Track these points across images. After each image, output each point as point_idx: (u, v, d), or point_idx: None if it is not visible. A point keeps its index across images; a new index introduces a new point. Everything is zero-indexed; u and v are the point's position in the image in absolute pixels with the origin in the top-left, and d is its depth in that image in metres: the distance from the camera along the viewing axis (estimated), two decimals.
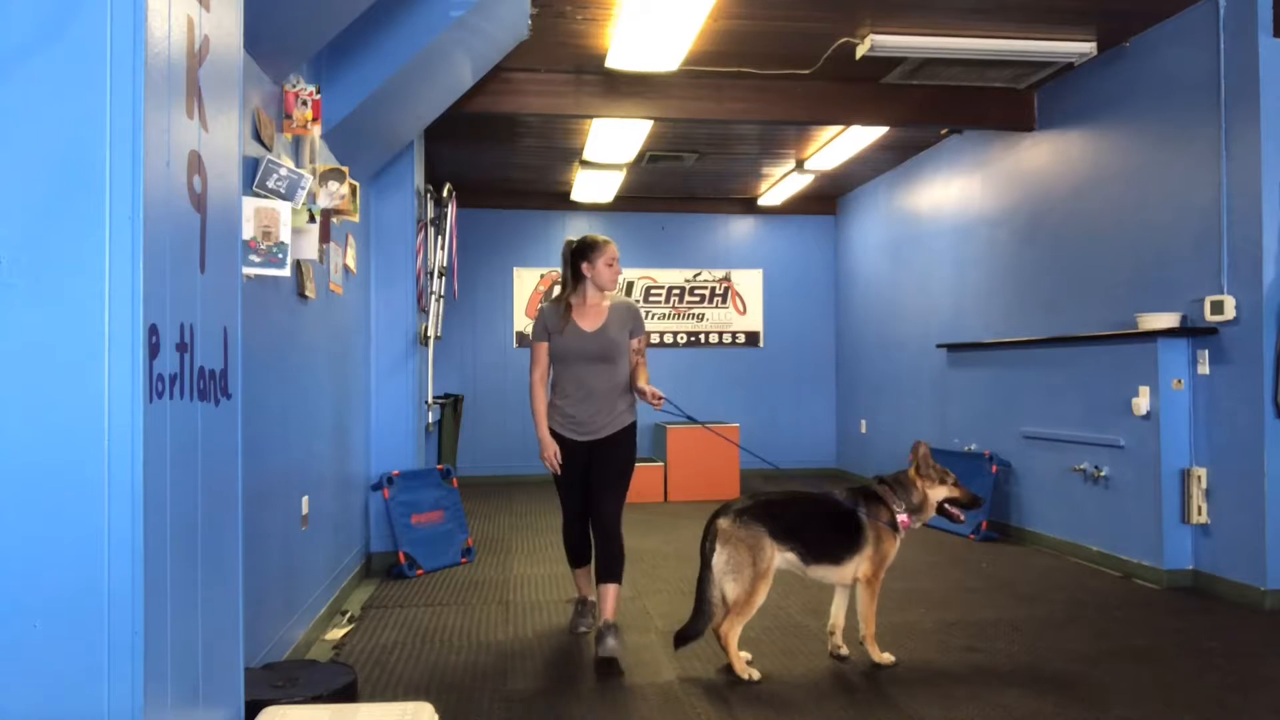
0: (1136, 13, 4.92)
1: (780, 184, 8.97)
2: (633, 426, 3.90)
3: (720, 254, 10.03)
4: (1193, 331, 4.71)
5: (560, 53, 5.44)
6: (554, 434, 3.86)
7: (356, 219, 3.99)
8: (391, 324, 5.49)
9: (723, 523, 3.45)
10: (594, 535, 3.85)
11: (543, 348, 3.87)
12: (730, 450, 8.15)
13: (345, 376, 4.68)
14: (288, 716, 2.00)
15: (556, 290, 4.18)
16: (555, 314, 3.85)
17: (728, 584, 3.41)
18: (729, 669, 3.44)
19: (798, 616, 4.24)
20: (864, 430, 9.30)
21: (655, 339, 9.88)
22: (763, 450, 9.76)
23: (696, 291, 9.97)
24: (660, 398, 3.73)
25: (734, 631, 3.41)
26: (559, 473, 3.86)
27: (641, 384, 3.82)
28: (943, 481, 3.66)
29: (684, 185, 9.21)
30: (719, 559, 3.42)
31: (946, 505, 3.64)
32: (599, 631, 3.70)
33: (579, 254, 3.84)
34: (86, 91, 1.46)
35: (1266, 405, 4.33)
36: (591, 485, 3.85)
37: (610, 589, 3.75)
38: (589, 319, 3.83)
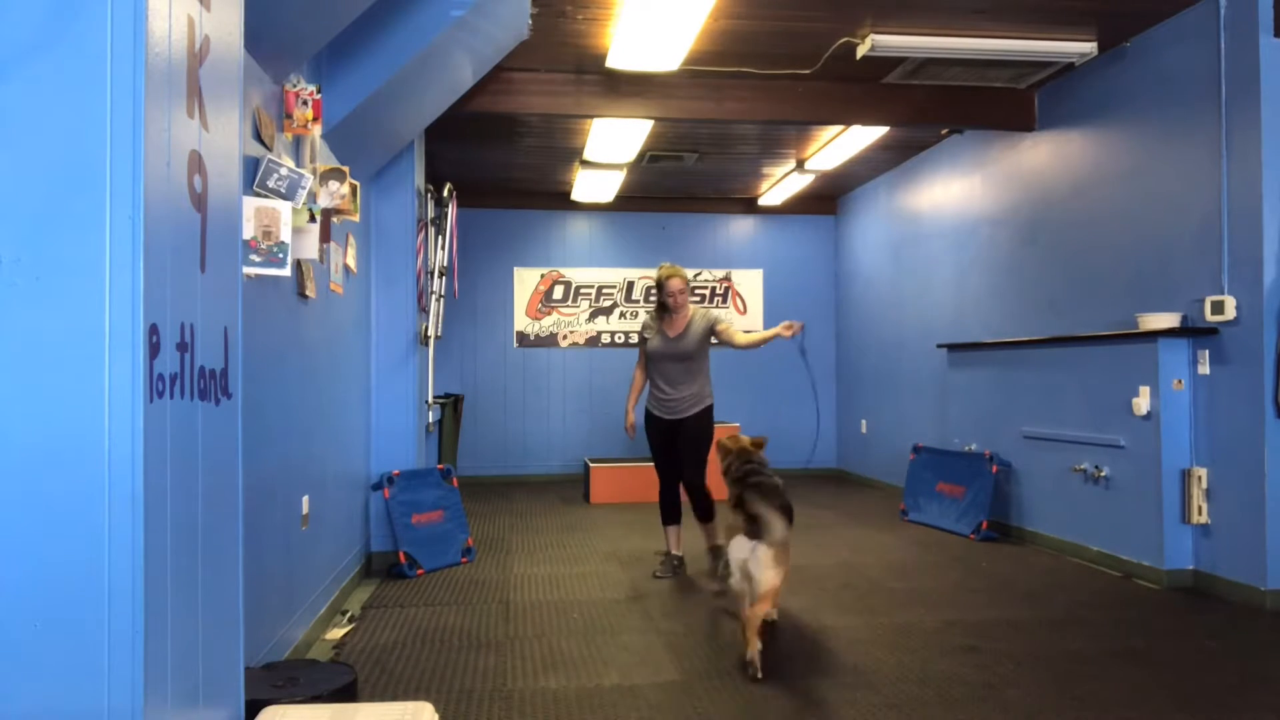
0: (1137, 13, 4.92)
1: (780, 184, 8.97)
2: (708, 410, 5.07)
3: (720, 254, 10.03)
4: (1193, 332, 4.71)
5: (561, 52, 5.44)
6: (649, 413, 5.14)
7: (357, 219, 3.99)
8: (391, 324, 5.49)
9: (779, 528, 3.52)
10: (688, 495, 5.05)
11: (641, 350, 5.22)
12: None
13: (345, 376, 4.68)
14: (288, 716, 2.00)
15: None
16: (651, 324, 5.14)
17: (770, 575, 3.45)
18: (742, 662, 3.47)
19: (796, 616, 4.24)
20: (864, 430, 9.30)
21: None
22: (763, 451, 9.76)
23: (697, 291, 9.97)
24: (792, 329, 4.72)
25: (758, 616, 3.49)
26: (631, 438, 5.34)
27: (768, 332, 4.90)
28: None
29: (684, 185, 9.21)
30: (768, 554, 3.45)
31: None
32: (711, 552, 5.04)
33: (657, 286, 5.11)
34: (87, 91, 1.46)
35: (1267, 405, 4.33)
36: (682, 461, 5.04)
37: (708, 525, 5.06)
38: (674, 328, 5.06)
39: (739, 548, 3.53)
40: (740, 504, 3.68)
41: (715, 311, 5.17)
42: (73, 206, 1.46)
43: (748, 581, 3.50)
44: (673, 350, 5.01)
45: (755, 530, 3.51)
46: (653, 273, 10.21)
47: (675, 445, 5.06)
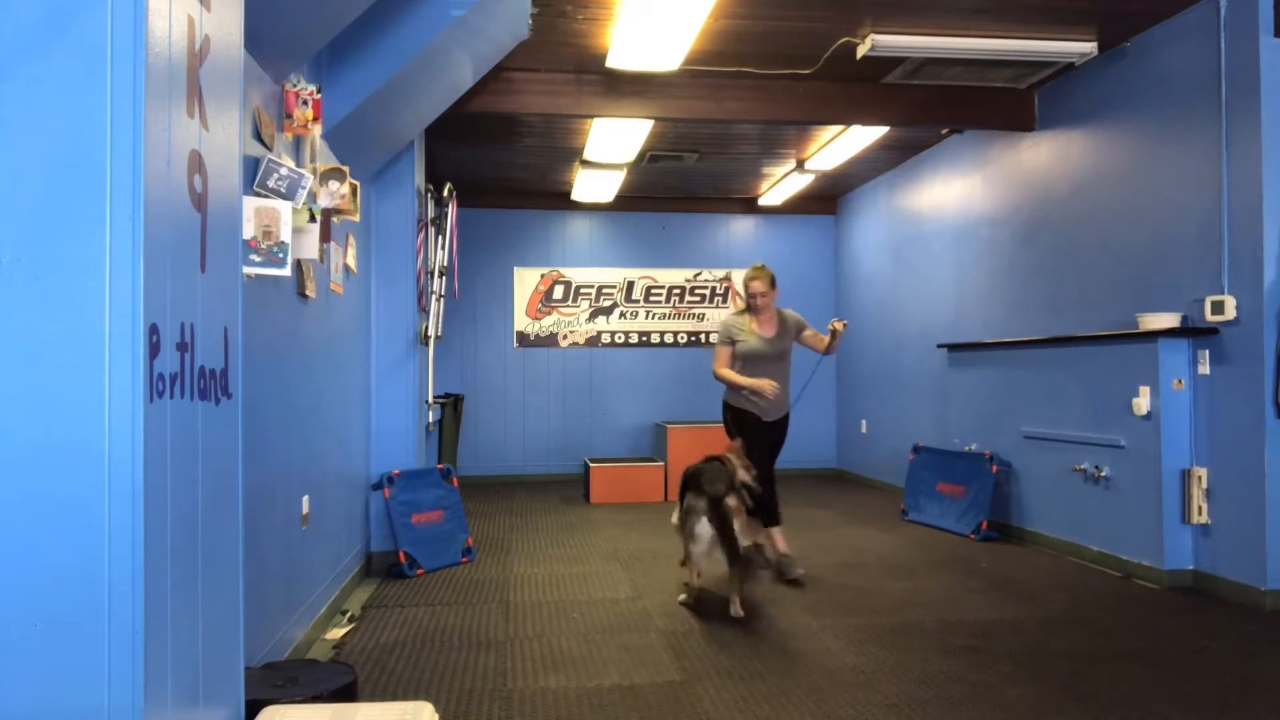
0: (1137, 13, 4.92)
1: (780, 184, 8.97)
2: (788, 413, 5.22)
3: (720, 254, 10.03)
4: (1193, 332, 4.71)
5: (561, 52, 5.44)
6: (744, 411, 5.03)
7: (357, 218, 3.99)
8: (392, 324, 5.49)
9: (731, 501, 4.20)
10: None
11: (726, 351, 5.07)
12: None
13: (345, 376, 4.68)
14: (288, 716, 2.00)
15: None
16: (738, 325, 5.06)
17: (741, 541, 4.21)
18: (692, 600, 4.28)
19: (796, 616, 4.24)
20: (864, 430, 9.30)
21: (655, 339, 9.87)
22: None
23: (697, 291, 9.97)
24: (839, 329, 5.01)
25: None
26: (767, 397, 4.96)
27: (828, 331, 5.05)
28: None
29: (684, 185, 9.21)
30: (735, 526, 4.17)
31: None
32: (780, 563, 5.01)
33: (744, 287, 5.11)
34: (87, 91, 1.46)
35: (1267, 405, 4.33)
36: (762, 459, 4.98)
37: (776, 531, 5.09)
38: (766, 328, 5.06)
39: (705, 528, 4.19)
40: (691, 491, 4.34)
41: (801, 317, 5.18)
42: (73, 206, 1.46)
43: (704, 556, 4.29)
44: (773, 350, 5.03)
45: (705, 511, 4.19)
46: (655, 274, 10.36)
47: (768, 444, 5.06)
